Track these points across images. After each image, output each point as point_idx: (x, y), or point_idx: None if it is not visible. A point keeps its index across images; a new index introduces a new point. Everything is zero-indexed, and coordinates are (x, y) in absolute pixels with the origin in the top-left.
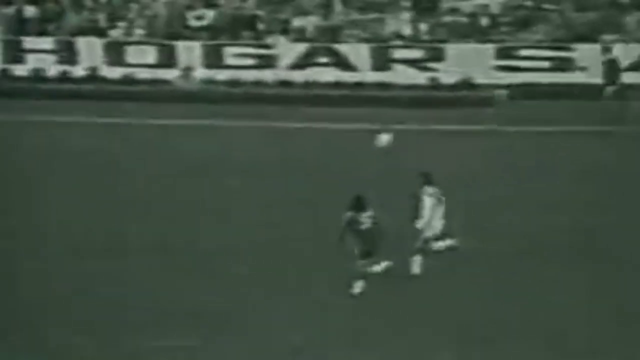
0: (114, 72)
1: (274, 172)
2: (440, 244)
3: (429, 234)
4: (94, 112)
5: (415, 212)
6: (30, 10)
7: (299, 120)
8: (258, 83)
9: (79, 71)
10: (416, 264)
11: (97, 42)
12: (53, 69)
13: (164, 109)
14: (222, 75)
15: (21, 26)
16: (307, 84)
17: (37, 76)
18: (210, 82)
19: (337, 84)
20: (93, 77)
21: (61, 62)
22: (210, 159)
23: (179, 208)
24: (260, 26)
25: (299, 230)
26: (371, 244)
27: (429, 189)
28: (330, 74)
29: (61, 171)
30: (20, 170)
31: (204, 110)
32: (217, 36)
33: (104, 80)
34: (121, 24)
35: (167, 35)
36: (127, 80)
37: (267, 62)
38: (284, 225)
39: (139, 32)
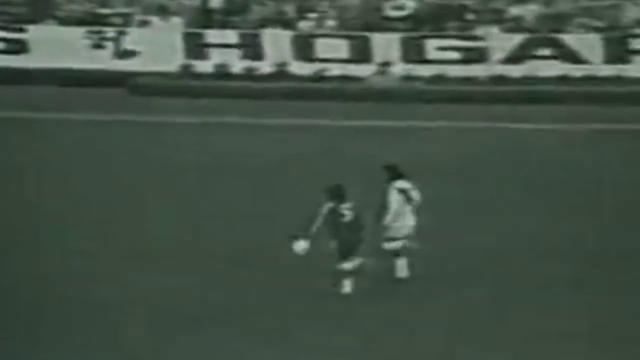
0: (303, 68)
1: (479, 177)
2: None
3: (395, 234)
4: (282, 112)
5: (382, 209)
6: (216, 1)
7: (517, 120)
8: (466, 79)
9: (265, 67)
10: (401, 267)
11: (284, 35)
12: (238, 65)
13: (357, 108)
14: (423, 71)
15: (205, 18)
16: (525, 80)
17: (221, 73)
18: (410, 78)
19: (563, 79)
20: (281, 73)
21: (246, 57)
22: (403, 163)
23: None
24: (469, 16)
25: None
26: (353, 240)
27: (400, 184)
28: (553, 68)
29: (246, 179)
30: (198, 177)
31: (403, 110)
32: (418, 27)
33: (293, 77)
34: (311, 14)
35: (361, 26)
36: (317, 77)
37: (476, 55)
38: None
39: (330, 23)
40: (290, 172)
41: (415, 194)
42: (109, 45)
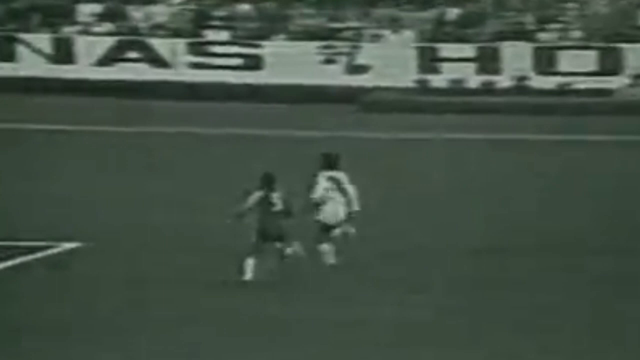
0: (545, 82)
1: None
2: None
3: (329, 221)
4: (522, 128)
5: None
6: (452, 13)
7: None
8: None
9: (504, 81)
10: (329, 254)
11: (525, 48)
12: (474, 80)
13: (605, 123)
14: None
15: (438, 31)
16: None
17: (457, 88)
18: None
19: None
20: (521, 87)
21: (483, 71)
22: None
23: None
24: None
25: None
26: (278, 228)
27: (332, 173)
28: None
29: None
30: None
31: None
32: None
33: (534, 91)
34: (553, 25)
35: (610, 37)
36: (561, 91)
37: None
38: None
39: (575, 34)
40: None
41: (349, 188)
42: (341, 60)
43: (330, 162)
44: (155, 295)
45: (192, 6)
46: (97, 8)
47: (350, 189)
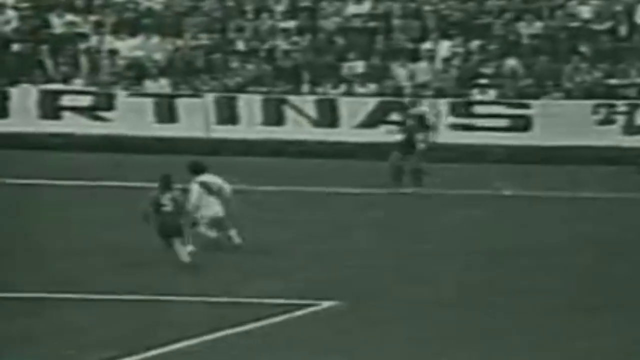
0: None
1: None
2: (211, 233)
3: (198, 220)
4: None
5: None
6: None
7: None
8: None
9: None
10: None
11: None
12: None
13: None
14: None
15: None
16: None
17: None
18: None
19: None
20: None
21: None
22: None
23: None
24: None
25: None
26: (169, 228)
27: (203, 177)
28: None
29: None
30: None
31: None
32: None
33: None
34: None
35: None
36: None
37: None
38: None
39: None
40: None
41: (225, 187)
42: (619, 119)
43: (198, 168)
44: None
45: (457, 62)
46: (360, 66)
47: (225, 188)
